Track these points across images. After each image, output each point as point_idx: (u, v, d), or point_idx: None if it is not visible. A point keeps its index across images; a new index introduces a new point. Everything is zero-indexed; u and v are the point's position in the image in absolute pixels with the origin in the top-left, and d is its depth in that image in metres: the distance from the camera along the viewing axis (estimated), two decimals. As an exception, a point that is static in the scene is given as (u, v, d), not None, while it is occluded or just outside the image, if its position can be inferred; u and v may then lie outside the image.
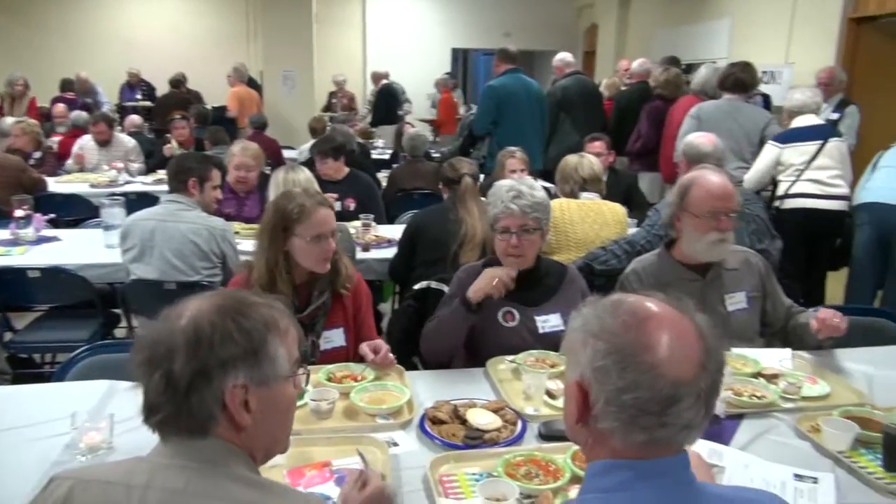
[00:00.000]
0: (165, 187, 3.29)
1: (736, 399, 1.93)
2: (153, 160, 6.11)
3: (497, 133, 5.23)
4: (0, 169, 4.64)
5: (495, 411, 1.85)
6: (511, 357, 2.18)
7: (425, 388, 2.07)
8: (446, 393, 2.01)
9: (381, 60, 11.61)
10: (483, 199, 3.01)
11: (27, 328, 3.41)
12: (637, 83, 6.37)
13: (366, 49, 12.55)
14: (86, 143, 6.11)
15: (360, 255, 3.52)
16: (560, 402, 1.89)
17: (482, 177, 4.23)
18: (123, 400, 1.92)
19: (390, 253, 3.53)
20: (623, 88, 6.88)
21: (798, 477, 1.59)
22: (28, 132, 5.67)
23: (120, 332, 3.47)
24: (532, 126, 5.30)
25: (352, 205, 4.22)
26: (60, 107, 7.64)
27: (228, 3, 12.00)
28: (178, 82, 9.48)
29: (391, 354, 2.15)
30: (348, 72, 11.06)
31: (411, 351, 2.60)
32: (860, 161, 4.32)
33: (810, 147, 4.06)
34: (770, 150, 4.18)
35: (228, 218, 3.63)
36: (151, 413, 1.03)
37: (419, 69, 11.67)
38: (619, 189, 4.19)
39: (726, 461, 1.65)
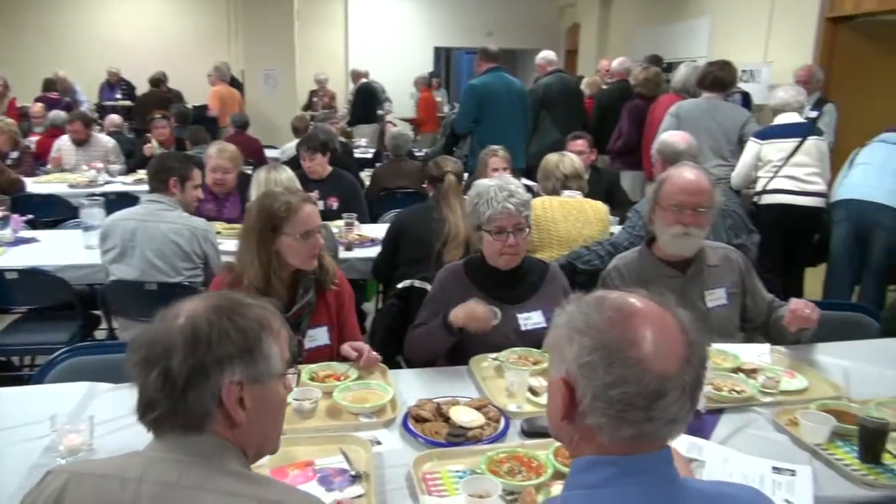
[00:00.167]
0: (146, 187, 3.26)
1: (716, 394, 1.96)
2: (133, 160, 6.05)
3: (478, 132, 5.24)
4: (-24, 169, 4.59)
5: (478, 409, 1.86)
6: (494, 355, 2.19)
7: (409, 387, 2.07)
8: (430, 391, 2.02)
9: (364, 59, 11.58)
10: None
11: (5, 331, 3.37)
12: (617, 82, 6.42)
13: (348, 48, 12.51)
14: (63, 143, 6.05)
15: (343, 254, 3.52)
16: (543, 399, 1.91)
17: (466, 175, 4.24)
18: (104, 402, 1.91)
19: (373, 252, 3.53)
20: (604, 87, 6.93)
21: (776, 470, 1.62)
22: (5, 132, 5.60)
23: (100, 334, 3.44)
24: (514, 124, 5.31)
25: (335, 204, 4.21)
26: (38, 106, 7.55)
27: (209, 1, 11.91)
28: (158, 81, 9.39)
29: (374, 353, 2.16)
30: (330, 71, 11.02)
31: (395, 350, 2.60)
32: (837, 158, 4.38)
33: (789, 144, 4.11)
34: (751, 147, 4.24)
35: (209, 219, 3.61)
36: (148, 410, 1.05)
37: (402, 68, 11.67)
38: (601, 187, 4.21)
39: (706, 455, 1.67)
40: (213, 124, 8.04)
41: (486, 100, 5.22)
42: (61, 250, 3.50)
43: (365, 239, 3.75)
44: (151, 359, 1.03)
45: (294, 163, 4.39)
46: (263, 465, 1.58)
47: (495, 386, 2.06)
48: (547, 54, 6.24)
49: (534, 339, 2.23)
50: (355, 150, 7.50)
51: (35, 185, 5.27)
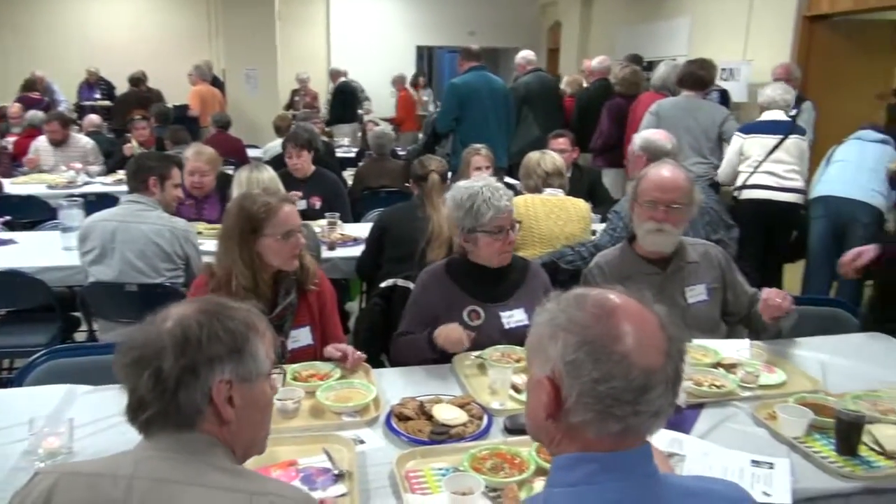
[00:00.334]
0: (125, 188, 3.23)
1: (696, 389, 1.98)
2: (113, 160, 5.98)
3: (459, 130, 5.24)
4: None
5: (461, 406, 1.87)
6: (477, 353, 2.20)
7: (392, 385, 2.08)
8: (413, 390, 2.02)
9: (346, 59, 11.55)
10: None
11: (-17, 333, 3.32)
12: (598, 80, 6.46)
13: (330, 47, 12.47)
14: (41, 144, 5.96)
15: (326, 253, 3.51)
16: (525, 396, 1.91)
17: (451, 174, 4.24)
18: (84, 404, 1.90)
19: (356, 251, 3.53)
20: (585, 86, 6.98)
21: (755, 463, 1.64)
22: (-20, 133, 5.52)
23: (80, 336, 3.40)
24: (495, 123, 5.32)
25: (317, 203, 4.20)
26: (16, 107, 7.45)
27: (189, 0, 11.80)
28: (137, 80, 9.29)
29: (359, 353, 2.16)
30: (312, 70, 10.98)
31: (378, 349, 2.61)
32: (815, 155, 4.45)
33: (770, 140, 4.18)
34: (735, 141, 4.33)
35: (189, 220, 3.58)
36: (139, 411, 1.07)
37: (383, 67, 11.62)
38: (583, 185, 4.25)
39: (686, 449, 1.69)
40: (193, 124, 7.98)
41: (466, 98, 5.23)
42: (40, 252, 3.46)
43: (348, 238, 3.74)
44: (142, 361, 1.06)
45: (276, 162, 4.37)
46: (246, 466, 1.57)
47: (478, 383, 2.07)
48: (526, 54, 6.32)
49: (517, 336, 2.23)
50: (337, 150, 7.48)
51: (13, 186, 5.19)
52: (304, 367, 2.14)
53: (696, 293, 2.39)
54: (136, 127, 6.16)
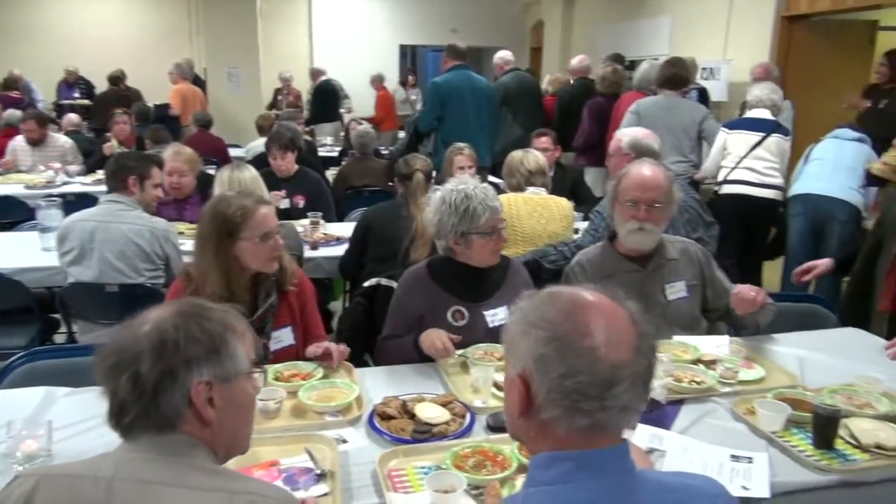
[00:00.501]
0: (105, 188, 3.19)
1: (676, 385, 2.00)
2: (92, 159, 5.91)
3: (441, 129, 5.24)
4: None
5: (444, 405, 1.87)
6: (460, 351, 2.20)
7: (374, 384, 2.08)
8: (396, 388, 2.02)
9: (328, 57, 11.51)
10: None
11: (-40, 336, 3.27)
12: (579, 79, 6.49)
13: (312, 46, 12.41)
14: (18, 144, 5.87)
15: (308, 253, 3.50)
16: (508, 394, 1.92)
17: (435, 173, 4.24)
18: (62, 406, 1.88)
19: (339, 251, 3.51)
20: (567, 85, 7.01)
21: (734, 457, 1.66)
22: (-43, 132, 5.43)
23: (59, 338, 3.36)
24: (478, 122, 5.31)
25: (301, 202, 4.18)
26: (-9, 106, 7.34)
27: (169, -2, 11.73)
28: (116, 79, 9.19)
29: (341, 346, 2.16)
30: (295, 69, 10.90)
31: (362, 348, 2.60)
32: (793, 154, 4.50)
33: (752, 137, 4.23)
34: (720, 136, 4.39)
35: (170, 220, 3.54)
36: (120, 415, 1.07)
37: (367, 66, 11.57)
38: (566, 183, 4.26)
39: (667, 445, 1.71)
40: (175, 123, 7.90)
41: (448, 97, 5.23)
42: (18, 253, 3.42)
43: (330, 238, 3.73)
44: (120, 365, 1.06)
45: (259, 162, 4.35)
46: (228, 466, 1.56)
47: (461, 382, 2.07)
48: (504, 54, 6.36)
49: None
50: (320, 149, 7.46)
51: (-11, 187, 5.13)
52: (287, 366, 2.13)
53: (676, 290, 2.41)
54: (117, 122, 6.05)
